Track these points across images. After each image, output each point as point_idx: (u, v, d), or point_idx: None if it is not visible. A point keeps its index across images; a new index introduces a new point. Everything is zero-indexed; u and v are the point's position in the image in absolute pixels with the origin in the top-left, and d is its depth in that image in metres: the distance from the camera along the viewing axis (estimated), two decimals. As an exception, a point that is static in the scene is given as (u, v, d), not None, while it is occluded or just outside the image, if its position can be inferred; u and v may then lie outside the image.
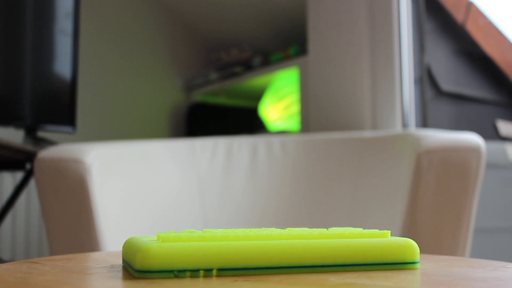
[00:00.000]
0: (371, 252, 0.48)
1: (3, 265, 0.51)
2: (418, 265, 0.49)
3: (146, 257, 0.43)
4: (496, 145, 1.70)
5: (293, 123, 2.13)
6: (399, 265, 0.48)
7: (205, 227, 1.32)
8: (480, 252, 1.53)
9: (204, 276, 0.44)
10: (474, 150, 1.06)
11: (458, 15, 1.96)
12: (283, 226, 1.30)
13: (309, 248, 0.47)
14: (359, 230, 0.53)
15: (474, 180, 1.05)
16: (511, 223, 1.69)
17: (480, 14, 1.96)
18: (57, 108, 1.44)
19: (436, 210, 1.05)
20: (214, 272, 0.44)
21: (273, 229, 0.54)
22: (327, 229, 0.54)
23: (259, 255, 0.45)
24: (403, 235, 1.07)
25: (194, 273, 0.44)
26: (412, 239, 1.07)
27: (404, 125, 1.59)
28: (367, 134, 1.35)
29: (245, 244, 0.45)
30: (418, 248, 0.49)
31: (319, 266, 0.47)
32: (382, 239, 0.49)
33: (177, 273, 0.43)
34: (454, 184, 1.05)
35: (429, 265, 0.52)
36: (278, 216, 1.33)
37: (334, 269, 0.47)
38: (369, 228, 1.12)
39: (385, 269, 0.48)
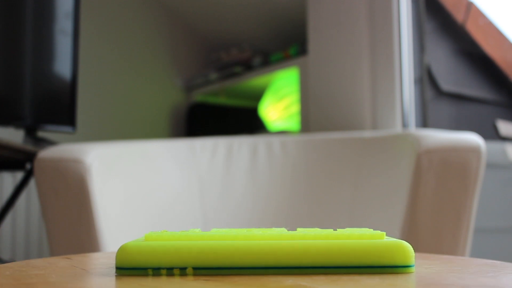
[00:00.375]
0: (356, 254, 0.45)
1: None
2: (411, 269, 0.46)
3: (122, 255, 0.45)
4: (496, 145, 1.70)
5: (293, 123, 2.13)
6: (390, 268, 0.45)
7: (205, 227, 1.32)
8: (480, 252, 1.53)
9: (180, 275, 0.45)
10: (474, 150, 1.06)
11: (458, 15, 1.96)
12: (283, 226, 1.30)
13: (286, 249, 0.45)
14: (351, 230, 0.50)
15: (474, 180, 1.05)
16: (511, 223, 1.69)
17: (480, 14, 1.96)
18: (57, 108, 1.44)
19: (436, 210, 1.05)
20: (189, 270, 0.45)
21: (264, 229, 0.53)
22: (334, 230, 0.52)
23: (232, 255, 0.45)
24: (403, 235, 1.07)
25: (169, 271, 0.45)
26: (412, 239, 1.07)
27: (404, 125, 1.59)
28: (367, 134, 1.35)
29: (219, 243, 0.45)
30: (412, 251, 0.46)
31: (296, 268, 0.45)
32: (371, 241, 0.46)
33: (153, 271, 0.45)
34: (454, 184, 1.05)
35: (424, 269, 0.48)
36: (278, 216, 1.33)
37: (314, 271, 0.45)
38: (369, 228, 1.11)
39: (374, 273, 0.45)
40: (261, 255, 0.45)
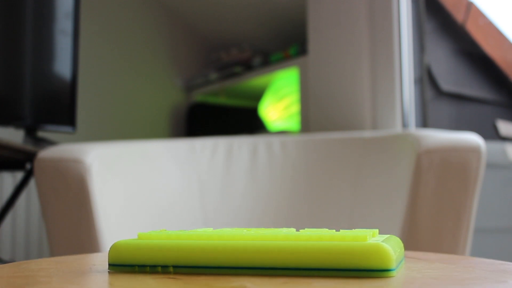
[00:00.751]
0: (329, 256, 0.43)
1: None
2: (391, 273, 0.42)
3: (114, 252, 0.48)
4: (496, 145, 1.70)
5: (293, 123, 2.13)
6: (366, 272, 0.42)
7: (205, 227, 1.32)
8: (480, 252, 1.53)
9: (162, 272, 0.46)
10: (474, 150, 1.06)
11: (458, 15, 1.96)
12: (283, 226, 1.30)
13: (261, 249, 0.45)
14: (344, 232, 0.49)
15: (474, 180, 1.05)
16: (511, 223, 1.70)
17: (480, 14, 1.96)
18: (57, 108, 1.44)
19: (436, 210, 1.05)
20: (170, 269, 0.46)
21: (263, 229, 0.53)
22: (337, 231, 0.51)
23: (208, 254, 0.46)
24: (403, 235, 1.07)
25: (152, 268, 0.47)
26: (412, 239, 1.07)
27: (404, 125, 1.59)
28: (367, 134, 1.35)
29: (198, 243, 0.47)
30: (391, 254, 0.43)
31: (269, 269, 0.45)
32: (345, 243, 0.44)
33: (139, 268, 0.47)
34: (454, 184, 1.05)
35: (416, 273, 0.45)
36: (278, 216, 1.33)
37: (286, 272, 0.44)
38: (369, 228, 1.11)
39: (350, 276, 0.43)
40: (235, 254, 0.45)
